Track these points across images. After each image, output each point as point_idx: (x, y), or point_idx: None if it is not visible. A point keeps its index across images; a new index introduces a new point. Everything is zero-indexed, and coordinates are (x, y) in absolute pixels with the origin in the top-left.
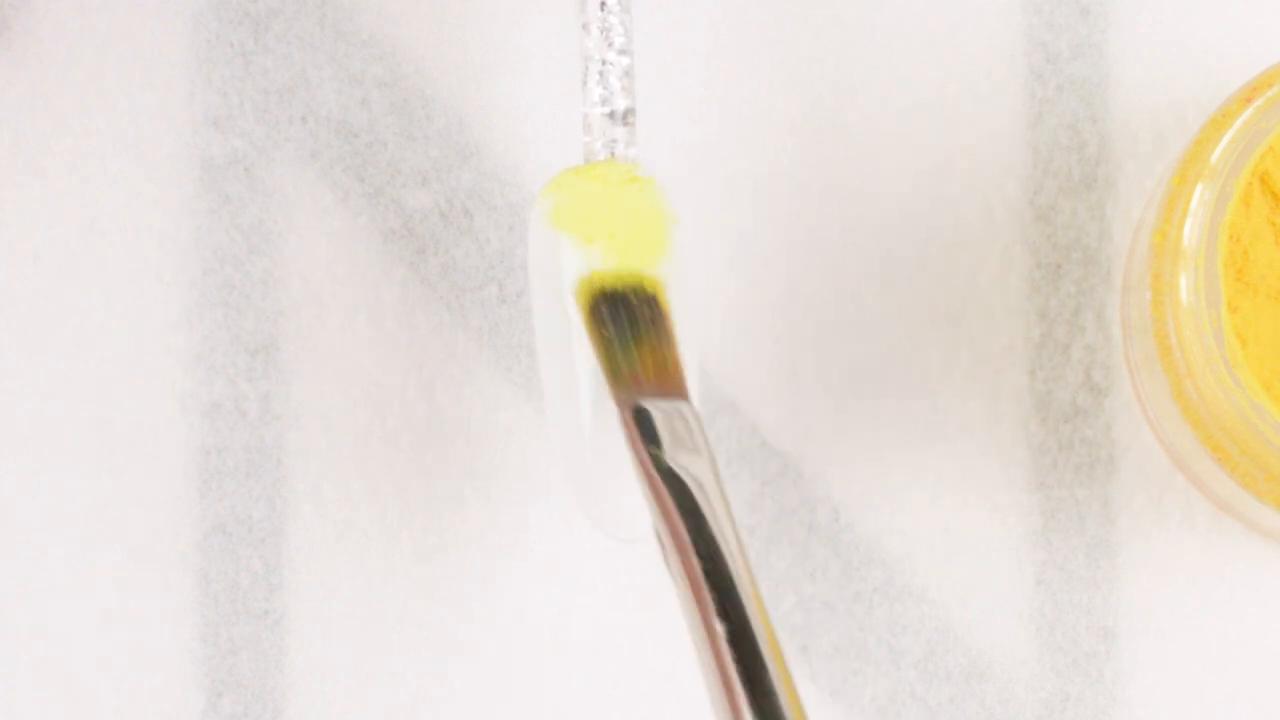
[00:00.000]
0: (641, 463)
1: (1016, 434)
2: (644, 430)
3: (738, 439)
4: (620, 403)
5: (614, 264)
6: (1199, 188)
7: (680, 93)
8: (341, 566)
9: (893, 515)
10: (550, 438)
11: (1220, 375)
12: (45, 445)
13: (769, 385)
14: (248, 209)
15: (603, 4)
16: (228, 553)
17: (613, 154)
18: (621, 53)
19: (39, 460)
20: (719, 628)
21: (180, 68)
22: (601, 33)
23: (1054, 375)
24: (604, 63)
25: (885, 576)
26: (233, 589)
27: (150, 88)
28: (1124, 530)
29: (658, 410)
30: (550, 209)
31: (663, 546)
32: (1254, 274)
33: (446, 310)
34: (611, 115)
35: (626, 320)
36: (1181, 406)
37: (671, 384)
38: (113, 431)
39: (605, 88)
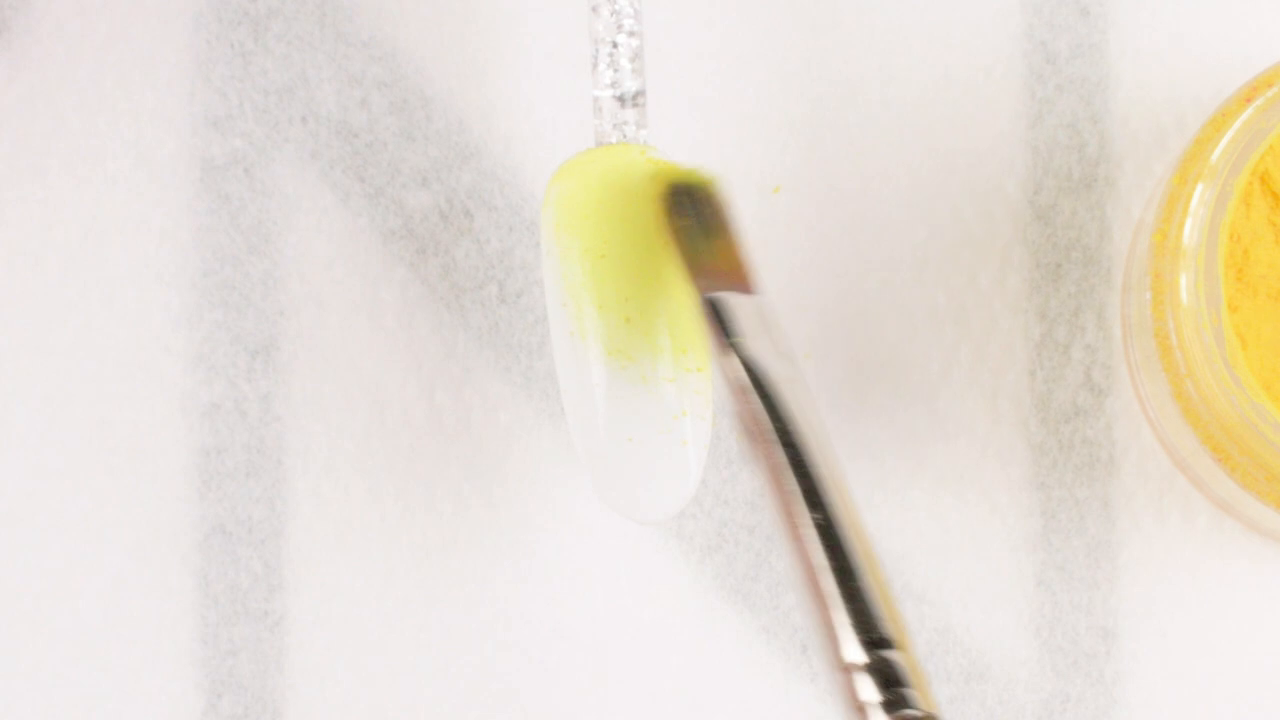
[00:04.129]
0: (724, 351)
1: (1016, 434)
2: (724, 320)
3: (738, 439)
4: (700, 291)
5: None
6: (1199, 188)
7: (679, 93)
8: (341, 566)
9: (893, 515)
10: (566, 421)
11: (1220, 375)
12: (45, 445)
13: None
14: (248, 209)
15: None
16: (228, 553)
17: (623, 136)
18: (631, 34)
19: (39, 460)
20: (807, 516)
21: (180, 68)
22: (611, 15)
23: (1054, 375)
24: (614, 45)
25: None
26: (233, 589)
27: (150, 88)
28: (1124, 530)
29: (736, 301)
30: (566, 190)
31: (746, 436)
32: (1254, 274)
33: (446, 310)
34: (622, 97)
35: (702, 213)
36: (1182, 406)
37: (745, 277)
38: (113, 431)
39: (615, 70)
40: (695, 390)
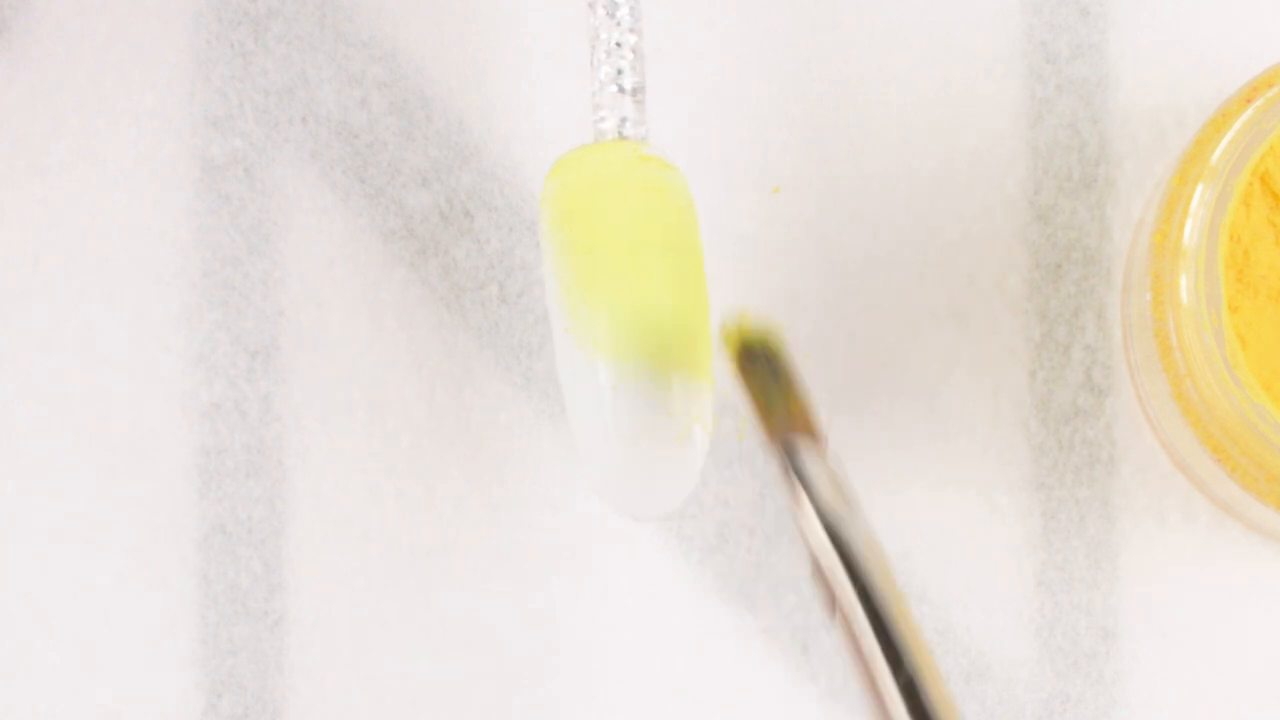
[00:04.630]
0: (808, 512)
1: (1016, 434)
2: (801, 475)
3: (738, 438)
4: (775, 441)
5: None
6: (1199, 188)
7: (679, 93)
8: (341, 566)
9: (893, 515)
10: (567, 418)
11: (1220, 375)
12: (45, 445)
13: None
14: (248, 209)
15: None
16: (228, 553)
17: (620, 133)
18: (629, 30)
19: (39, 460)
20: (889, 677)
21: (180, 68)
22: (608, 11)
23: (1054, 375)
24: (611, 41)
25: None
26: (233, 589)
27: (150, 88)
28: (1124, 531)
29: (813, 459)
30: (560, 187)
31: (826, 598)
32: (1254, 274)
33: (446, 310)
34: (620, 93)
35: (775, 366)
36: (1182, 407)
37: (814, 429)
38: (113, 432)
39: (613, 66)
40: (693, 385)
